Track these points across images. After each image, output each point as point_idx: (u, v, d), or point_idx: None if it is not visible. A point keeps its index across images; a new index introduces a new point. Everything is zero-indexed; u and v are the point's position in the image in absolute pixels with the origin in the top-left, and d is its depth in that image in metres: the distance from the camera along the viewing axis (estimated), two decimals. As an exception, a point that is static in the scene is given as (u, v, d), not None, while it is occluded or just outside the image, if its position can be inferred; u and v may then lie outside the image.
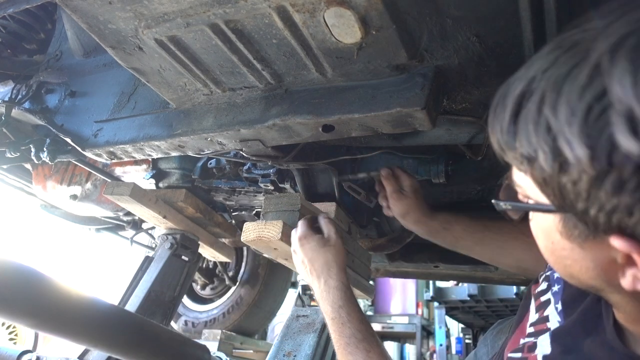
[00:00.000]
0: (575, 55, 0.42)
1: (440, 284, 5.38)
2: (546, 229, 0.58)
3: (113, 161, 1.55)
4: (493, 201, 0.62)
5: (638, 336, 0.62)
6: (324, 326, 1.73)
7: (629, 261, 0.50)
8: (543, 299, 0.85)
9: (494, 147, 0.55)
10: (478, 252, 1.33)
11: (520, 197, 0.58)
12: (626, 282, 0.51)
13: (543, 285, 0.88)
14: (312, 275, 1.23)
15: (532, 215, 0.62)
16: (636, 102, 0.36)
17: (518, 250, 1.22)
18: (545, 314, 0.81)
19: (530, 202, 0.56)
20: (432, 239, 1.39)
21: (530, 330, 0.82)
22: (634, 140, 0.36)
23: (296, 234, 1.29)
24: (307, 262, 1.24)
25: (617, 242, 0.47)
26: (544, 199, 0.53)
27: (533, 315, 0.85)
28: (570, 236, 0.54)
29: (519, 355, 0.78)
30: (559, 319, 0.77)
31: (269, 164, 1.62)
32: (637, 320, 0.61)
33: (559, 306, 0.79)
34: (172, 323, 2.94)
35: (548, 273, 0.88)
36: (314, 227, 1.33)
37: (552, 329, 0.76)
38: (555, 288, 0.83)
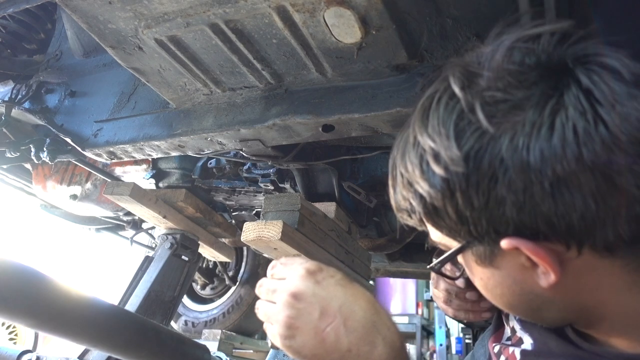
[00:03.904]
0: (405, 129, 0.61)
1: (440, 284, 5.37)
2: (470, 267, 0.63)
3: (113, 161, 1.55)
4: (428, 267, 0.68)
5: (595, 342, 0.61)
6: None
7: (531, 262, 0.54)
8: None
9: (403, 222, 0.64)
10: None
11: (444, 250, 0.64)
12: (543, 281, 0.54)
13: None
14: (342, 341, 0.64)
15: (461, 262, 0.65)
16: (432, 144, 0.53)
17: None
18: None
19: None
20: None
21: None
22: (438, 166, 0.53)
23: (299, 267, 0.70)
24: (334, 315, 0.65)
25: (504, 243, 0.53)
26: (454, 243, 0.60)
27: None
28: (484, 261, 0.58)
29: (498, 346, 0.77)
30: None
31: (269, 164, 1.62)
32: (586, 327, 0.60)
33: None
34: (172, 323, 2.93)
35: None
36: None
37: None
38: None
